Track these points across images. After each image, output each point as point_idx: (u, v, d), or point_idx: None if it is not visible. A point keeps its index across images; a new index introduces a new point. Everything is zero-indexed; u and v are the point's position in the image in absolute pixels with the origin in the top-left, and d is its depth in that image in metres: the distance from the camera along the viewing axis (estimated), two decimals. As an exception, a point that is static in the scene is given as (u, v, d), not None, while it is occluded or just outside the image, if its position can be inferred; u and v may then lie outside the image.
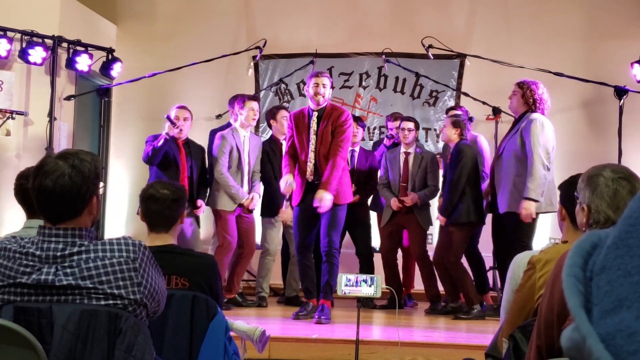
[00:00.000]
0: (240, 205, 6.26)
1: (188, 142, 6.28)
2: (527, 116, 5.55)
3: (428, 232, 6.47)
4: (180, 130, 6.12)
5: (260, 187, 6.43)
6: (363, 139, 7.12)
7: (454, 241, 5.85)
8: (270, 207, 6.49)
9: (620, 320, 0.57)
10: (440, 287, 6.24)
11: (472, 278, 6.09)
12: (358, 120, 6.68)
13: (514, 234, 5.48)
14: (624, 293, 0.58)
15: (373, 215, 6.83)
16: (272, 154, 6.51)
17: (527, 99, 5.58)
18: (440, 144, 7.60)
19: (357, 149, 6.62)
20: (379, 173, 6.62)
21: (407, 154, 6.38)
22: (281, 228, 6.62)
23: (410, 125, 6.35)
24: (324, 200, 5.31)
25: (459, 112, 6.35)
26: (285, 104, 7.73)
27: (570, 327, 0.60)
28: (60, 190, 2.04)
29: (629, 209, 0.62)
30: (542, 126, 5.44)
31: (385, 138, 6.85)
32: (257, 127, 7.72)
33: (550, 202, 5.45)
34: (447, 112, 6.71)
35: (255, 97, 6.69)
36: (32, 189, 2.08)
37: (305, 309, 5.64)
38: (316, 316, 5.42)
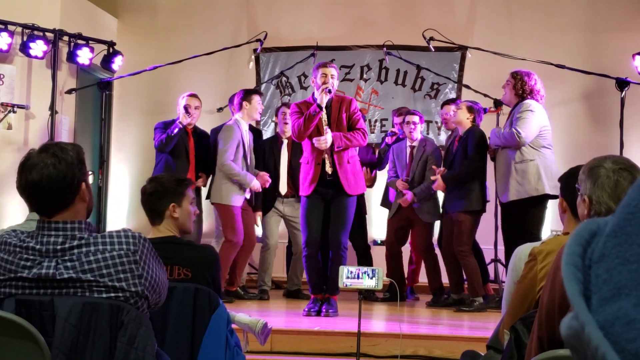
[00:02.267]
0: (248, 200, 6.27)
1: (195, 130, 6.35)
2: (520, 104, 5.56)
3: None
4: (192, 118, 6.22)
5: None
6: None
7: (464, 230, 5.80)
8: (270, 201, 6.52)
9: (618, 308, 0.57)
10: (445, 279, 6.23)
11: None
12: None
13: (522, 222, 5.45)
14: (622, 281, 0.58)
15: (371, 209, 6.80)
16: (269, 151, 6.54)
17: (518, 89, 5.57)
18: (442, 137, 7.58)
19: None
20: (387, 167, 6.58)
21: (412, 147, 6.38)
22: (281, 221, 6.62)
23: (415, 119, 6.33)
24: (326, 138, 5.18)
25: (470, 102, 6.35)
26: (286, 98, 7.74)
27: (569, 315, 0.61)
28: (47, 180, 2.03)
29: (627, 197, 0.62)
30: (532, 110, 5.43)
31: (387, 136, 6.80)
32: (257, 122, 7.72)
33: (536, 188, 5.43)
34: (442, 107, 6.66)
35: (259, 92, 6.71)
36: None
37: (315, 305, 5.43)
38: (324, 309, 5.37)
